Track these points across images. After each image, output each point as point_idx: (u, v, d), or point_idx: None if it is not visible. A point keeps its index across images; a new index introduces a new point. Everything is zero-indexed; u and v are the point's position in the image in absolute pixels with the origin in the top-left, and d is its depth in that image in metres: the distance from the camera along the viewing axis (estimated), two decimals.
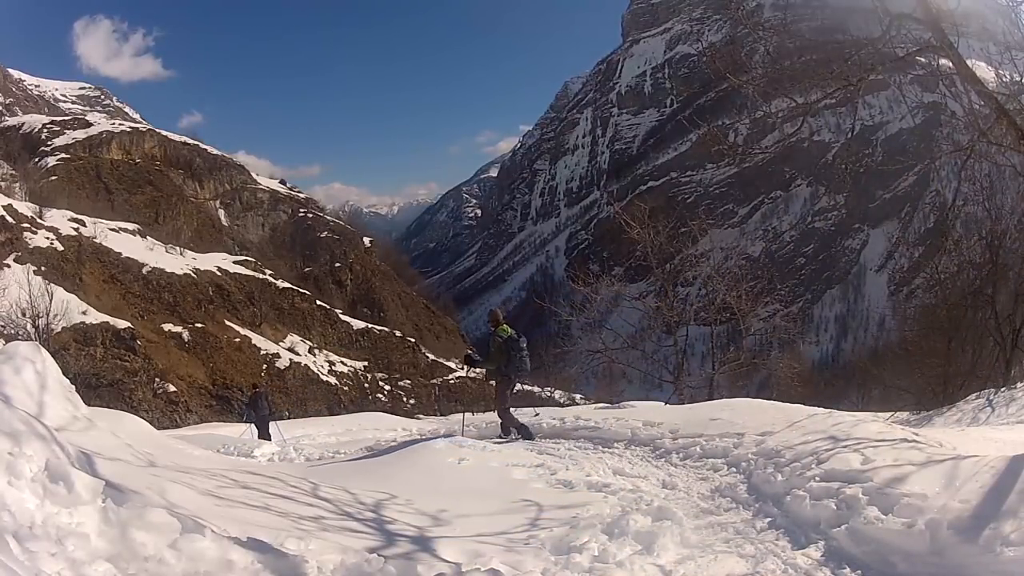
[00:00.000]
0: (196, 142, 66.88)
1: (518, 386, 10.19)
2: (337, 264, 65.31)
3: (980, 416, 10.00)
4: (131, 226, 46.93)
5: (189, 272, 44.78)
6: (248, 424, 16.12)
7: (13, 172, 48.47)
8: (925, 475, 3.82)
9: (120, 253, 42.15)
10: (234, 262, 51.15)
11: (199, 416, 33.27)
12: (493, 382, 9.38)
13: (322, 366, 46.37)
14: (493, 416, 15.48)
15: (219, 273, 47.58)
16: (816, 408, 7.65)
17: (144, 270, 42.15)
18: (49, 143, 53.72)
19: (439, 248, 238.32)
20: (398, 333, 56.61)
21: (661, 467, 6.34)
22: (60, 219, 40.42)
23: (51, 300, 22.59)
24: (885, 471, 4.10)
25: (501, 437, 8.76)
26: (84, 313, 32.58)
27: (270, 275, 52.51)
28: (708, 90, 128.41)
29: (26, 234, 36.28)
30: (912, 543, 3.22)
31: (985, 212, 17.31)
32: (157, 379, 33.86)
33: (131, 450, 4.89)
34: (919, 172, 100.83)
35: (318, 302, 53.90)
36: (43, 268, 32.76)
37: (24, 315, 21.51)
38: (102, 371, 28.36)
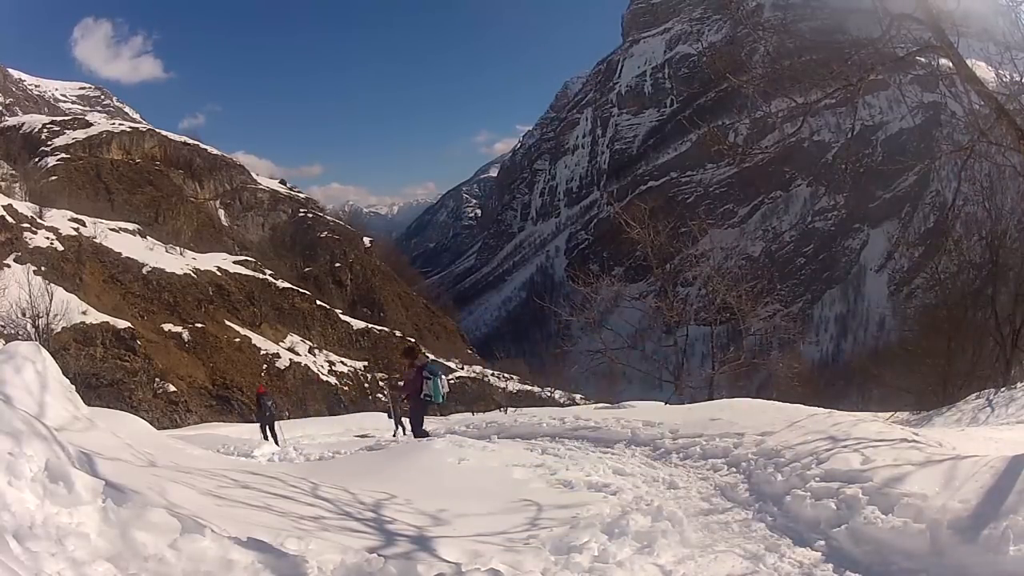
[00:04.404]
0: (196, 142, 66.90)
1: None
2: (337, 264, 65.31)
3: (980, 416, 10.00)
4: (131, 226, 46.94)
5: (189, 272, 44.79)
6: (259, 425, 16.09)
7: (13, 172, 48.46)
8: (925, 475, 3.82)
9: (120, 253, 42.15)
10: (234, 262, 51.14)
11: (199, 416, 33.28)
12: None
13: (322, 366, 46.39)
14: (493, 416, 16.07)
15: (219, 273, 47.58)
16: (816, 408, 7.66)
17: (144, 270, 42.15)
18: (49, 143, 53.72)
19: (439, 248, 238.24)
20: (398, 333, 56.60)
21: (661, 467, 6.34)
22: (60, 219, 40.41)
23: (51, 300, 22.57)
24: (885, 471, 4.10)
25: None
26: (84, 313, 32.57)
27: (270, 275, 52.51)
28: (708, 90, 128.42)
29: (26, 234, 36.27)
30: (912, 543, 3.22)
31: (985, 212, 17.32)
32: (157, 379, 33.86)
33: (131, 450, 4.89)
34: (919, 172, 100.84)
35: (318, 302, 53.91)
36: (43, 268, 32.75)
37: (24, 315, 21.50)
38: (102, 371, 28.34)
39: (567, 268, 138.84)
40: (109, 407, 11.34)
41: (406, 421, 10.10)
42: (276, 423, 15.94)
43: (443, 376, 9.64)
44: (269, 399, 16.28)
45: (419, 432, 9.74)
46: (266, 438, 15.20)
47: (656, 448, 7.10)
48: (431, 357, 9.84)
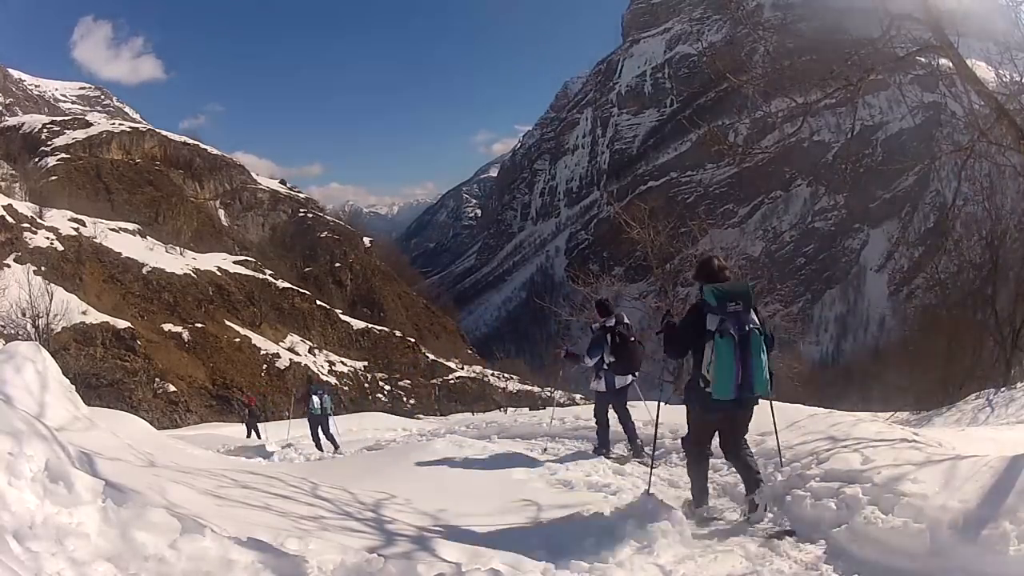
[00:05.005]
0: (196, 142, 66.94)
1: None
2: (337, 264, 65.34)
3: (980, 416, 9.97)
4: (131, 226, 46.98)
5: (189, 272, 44.82)
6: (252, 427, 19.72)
7: (13, 172, 48.50)
8: (925, 475, 3.82)
9: (120, 253, 42.20)
10: (234, 262, 51.18)
11: (199, 416, 33.32)
12: None
13: (322, 366, 46.41)
14: (494, 416, 16.41)
15: (219, 273, 47.61)
16: (816, 408, 7.64)
17: (144, 270, 42.19)
18: (49, 143, 53.77)
19: (439, 248, 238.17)
20: (398, 333, 56.63)
21: (661, 467, 6.34)
22: (60, 219, 40.46)
23: (51, 300, 22.61)
24: (885, 471, 4.09)
25: None
26: (84, 313, 32.61)
27: (270, 275, 52.54)
28: (708, 90, 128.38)
29: (26, 234, 36.33)
30: (912, 543, 3.22)
31: (985, 212, 17.26)
32: (157, 379, 33.90)
33: (131, 450, 4.89)
34: (919, 172, 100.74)
35: (318, 302, 53.94)
36: (43, 268, 32.79)
37: (24, 315, 21.54)
38: (102, 371, 28.37)
39: (567, 268, 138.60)
40: (109, 407, 11.36)
41: (321, 434, 12.77)
42: (257, 425, 19.76)
43: (320, 395, 12.79)
44: (250, 405, 21.02)
45: (313, 438, 12.75)
46: (248, 436, 18.61)
47: (656, 448, 7.09)
48: (315, 384, 15.38)
